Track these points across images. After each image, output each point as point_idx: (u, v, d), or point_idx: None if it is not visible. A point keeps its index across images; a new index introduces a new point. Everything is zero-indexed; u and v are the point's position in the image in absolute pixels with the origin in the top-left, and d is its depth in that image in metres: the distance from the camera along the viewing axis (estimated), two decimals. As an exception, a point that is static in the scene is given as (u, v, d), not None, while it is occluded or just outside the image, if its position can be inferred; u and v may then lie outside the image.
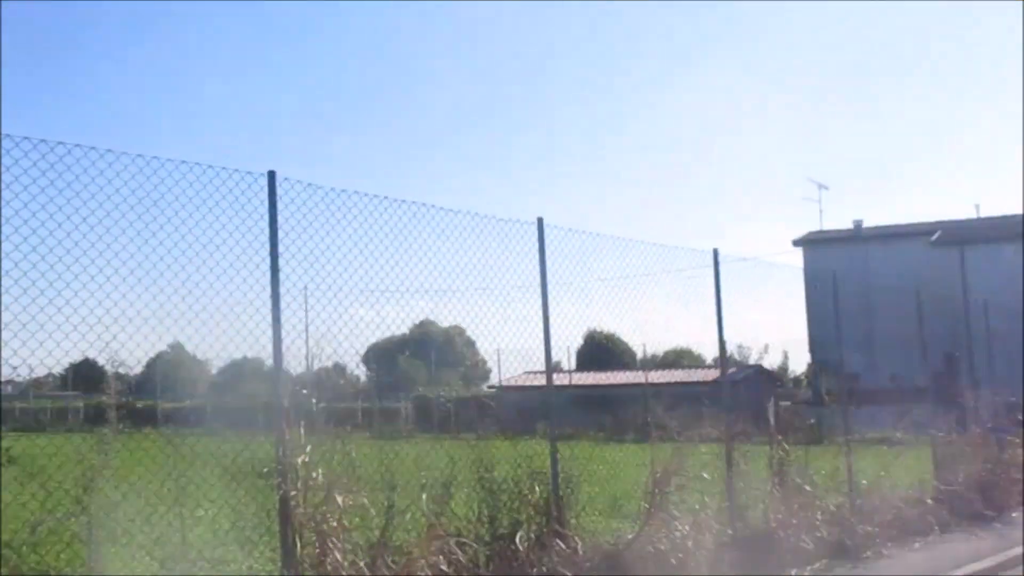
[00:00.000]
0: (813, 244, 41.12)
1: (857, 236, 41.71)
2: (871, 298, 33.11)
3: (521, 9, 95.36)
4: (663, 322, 11.27)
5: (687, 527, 9.10)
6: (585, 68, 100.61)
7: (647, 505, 9.11)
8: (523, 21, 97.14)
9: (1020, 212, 39.28)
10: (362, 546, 6.98)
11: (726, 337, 11.43)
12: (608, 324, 11.97)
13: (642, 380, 25.91)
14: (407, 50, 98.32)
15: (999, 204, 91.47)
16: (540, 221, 8.89)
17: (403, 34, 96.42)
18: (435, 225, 8.26)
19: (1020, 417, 16.25)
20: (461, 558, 7.45)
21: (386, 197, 7.78)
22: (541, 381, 9.29)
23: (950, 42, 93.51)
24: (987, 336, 17.26)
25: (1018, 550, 11.56)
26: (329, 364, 8.85)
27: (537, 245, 8.85)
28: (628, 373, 28.02)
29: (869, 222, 43.06)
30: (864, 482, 11.83)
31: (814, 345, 33.34)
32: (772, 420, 12.50)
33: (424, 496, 7.57)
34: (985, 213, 41.55)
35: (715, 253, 10.55)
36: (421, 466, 8.04)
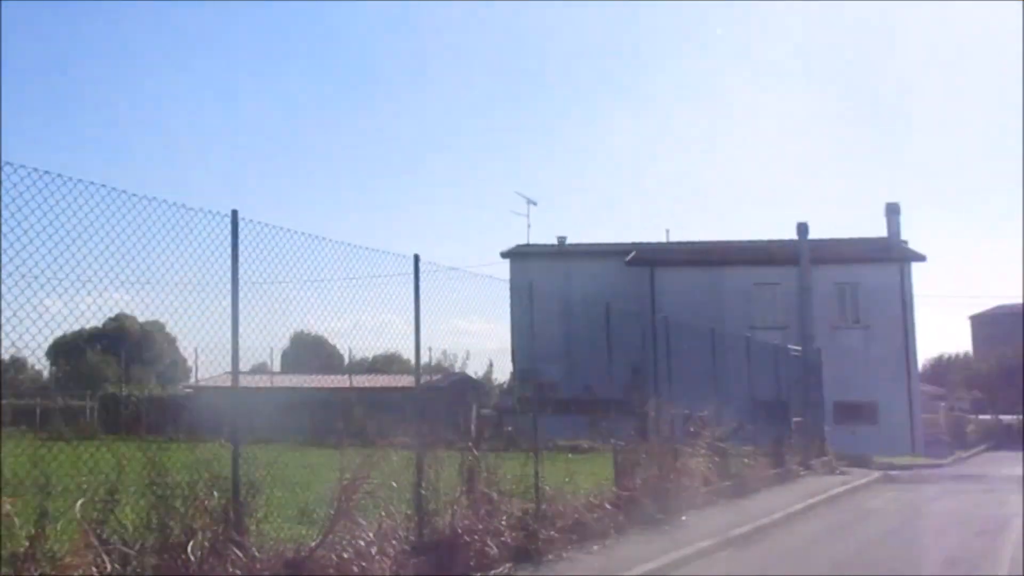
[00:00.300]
0: (519, 257, 42.57)
1: (560, 251, 43.70)
2: (571, 311, 34.72)
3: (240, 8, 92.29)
4: (375, 326, 11.13)
5: (371, 534, 8.98)
6: (307, 69, 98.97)
7: (333, 512, 8.90)
8: (239, 18, 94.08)
9: (705, 240, 42.84)
10: (5, 558, 6.28)
11: (433, 344, 11.51)
12: (317, 326, 11.64)
13: (346, 384, 25.62)
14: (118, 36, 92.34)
15: (686, 231, 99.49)
16: (235, 214, 8.45)
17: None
18: (132, 213, 7.64)
19: (692, 429, 17.51)
20: (119, 568, 6.89)
21: (59, 175, 7.05)
22: (242, 382, 8.82)
23: (648, 75, 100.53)
24: (667, 352, 18.43)
25: (686, 550, 12.40)
26: (5, 357, 7.99)
27: (231, 239, 8.41)
28: (333, 377, 27.64)
29: (573, 239, 45.30)
30: (548, 488, 12.22)
31: (517, 355, 34.49)
32: (472, 427, 12.69)
33: (80, 502, 6.93)
34: (674, 239, 44.73)
35: (416, 259, 10.51)
36: (84, 470, 7.37)
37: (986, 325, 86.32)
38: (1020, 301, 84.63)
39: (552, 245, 44.40)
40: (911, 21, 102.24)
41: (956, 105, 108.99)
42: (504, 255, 43.15)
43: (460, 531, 10.26)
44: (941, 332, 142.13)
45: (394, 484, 9.94)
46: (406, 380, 11.25)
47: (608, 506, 13.31)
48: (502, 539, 10.61)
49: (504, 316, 16.29)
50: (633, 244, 42.57)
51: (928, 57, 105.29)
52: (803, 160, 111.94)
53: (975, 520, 16.96)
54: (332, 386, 26.52)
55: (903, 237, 42.23)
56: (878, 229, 42.99)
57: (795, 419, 25.57)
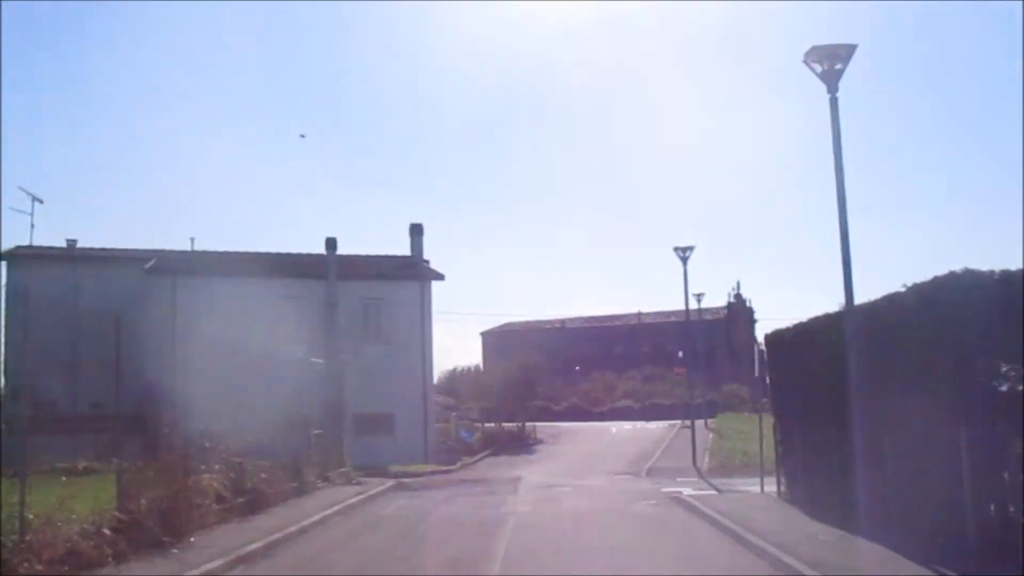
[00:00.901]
0: (19, 260, 38.06)
1: (69, 255, 39.91)
2: (80, 321, 31.90)
3: None
4: None
5: None
6: None
7: None
8: None
9: (232, 250, 41.82)
10: None
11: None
12: None
13: None
14: None
15: (213, 241, 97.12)
16: None
17: None
18: None
19: (207, 444, 16.89)
20: None
21: None
22: None
23: (170, 80, 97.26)
24: (186, 366, 17.69)
25: (192, 572, 11.86)
26: None
27: None
28: None
29: (86, 242, 41.63)
30: (32, 517, 11.01)
31: (9, 368, 30.91)
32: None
33: None
34: (199, 247, 42.91)
35: None
36: None
37: (495, 340, 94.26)
38: (525, 319, 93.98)
39: (60, 248, 40.43)
40: (434, 46, 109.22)
41: (472, 135, 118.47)
42: (-1, 256, 38.30)
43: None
44: (456, 346, 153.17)
45: None
46: None
47: (108, 531, 12.36)
48: (-27, 579, 9.35)
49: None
50: (154, 251, 40.19)
51: (450, 86, 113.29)
52: (336, 176, 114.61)
53: (475, 521, 18.27)
54: None
55: (425, 256, 44.59)
56: (404, 248, 44.95)
57: (315, 432, 25.77)
